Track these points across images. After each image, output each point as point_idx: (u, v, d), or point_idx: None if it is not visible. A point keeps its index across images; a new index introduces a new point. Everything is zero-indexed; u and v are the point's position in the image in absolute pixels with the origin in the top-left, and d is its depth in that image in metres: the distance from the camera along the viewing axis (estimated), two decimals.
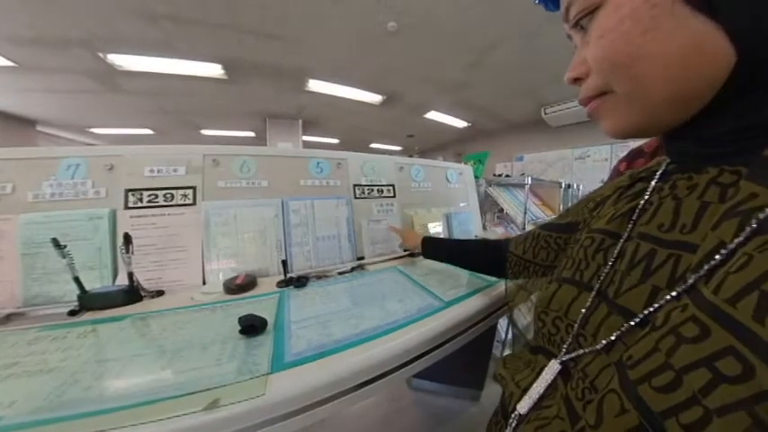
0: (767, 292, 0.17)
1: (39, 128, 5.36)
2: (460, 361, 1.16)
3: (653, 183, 0.36)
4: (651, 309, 0.26)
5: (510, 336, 1.81)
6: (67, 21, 2.40)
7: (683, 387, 0.19)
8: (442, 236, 1.45)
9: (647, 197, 0.35)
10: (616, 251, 0.34)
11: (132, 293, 0.75)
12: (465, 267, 0.89)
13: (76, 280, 0.71)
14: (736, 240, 0.21)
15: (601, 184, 0.54)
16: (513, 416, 0.35)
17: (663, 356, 0.21)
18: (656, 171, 0.37)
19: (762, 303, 0.17)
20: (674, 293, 0.24)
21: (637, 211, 0.35)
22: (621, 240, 0.35)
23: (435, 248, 0.94)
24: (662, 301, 0.25)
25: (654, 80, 0.26)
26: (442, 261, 0.93)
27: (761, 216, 0.20)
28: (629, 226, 0.35)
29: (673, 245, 0.28)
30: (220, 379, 0.46)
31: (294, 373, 0.48)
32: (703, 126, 0.28)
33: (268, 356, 0.51)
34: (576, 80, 0.33)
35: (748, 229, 0.21)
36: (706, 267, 0.22)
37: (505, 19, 2.50)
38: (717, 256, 0.22)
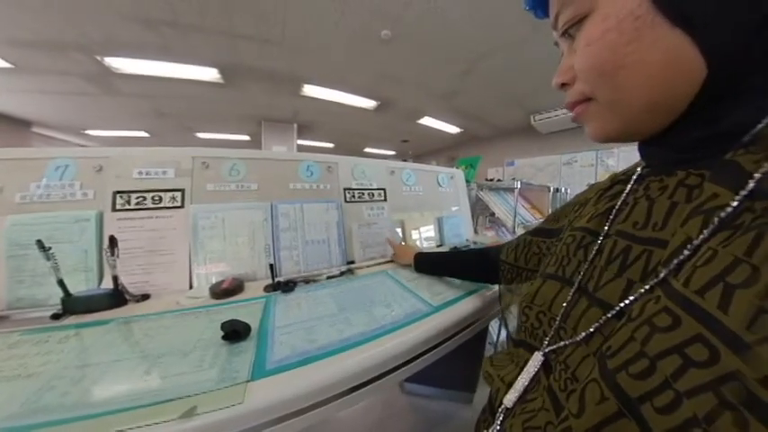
0: (731, 283, 0.19)
1: (34, 129, 5.37)
2: (453, 364, 1.16)
3: (629, 185, 0.38)
4: (627, 301, 0.28)
5: (502, 338, 1.82)
6: (66, 24, 2.42)
7: (657, 373, 0.20)
8: (434, 239, 1.47)
9: (623, 198, 0.37)
10: (595, 248, 0.36)
11: (117, 297, 0.74)
12: (458, 278, 0.92)
13: (60, 283, 0.70)
14: (701, 236, 0.23)
15: (587, 188, 0.55)
16: (499, 410, 0.36)
17: (638, 345, 0.22)
18: (633, 174, 0.39)
19: (726, 294, 0.19)
20: (647, 286, 0.26)
21: (614, 210, 0.37)
22: (600, 237, 0.36)
23: (427, 263, 0.97)
24: (636, 294, 0.27)
25: (635, 89, 0.27)
26: (434, 275, 0.95)
27: (722, 214, 0.22)
28: (608, 224, 0.36)
29: (646, 241, 0.30)
30: (199, 386, 0.45)
31: (274, 380, 0.48)
32: (675, 134, 0.30)
33: (249, 363, 0.51)
34: (563, 85, 0.35)
35: (711, 226, 0.23)
36: (675, 261, 0.24)
37: (494, 31, 2.57)
38: (685, 251, 0.24)
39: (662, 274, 0.25)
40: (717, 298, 0.19)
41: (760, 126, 0.24)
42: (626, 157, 4.21)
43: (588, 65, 0.29)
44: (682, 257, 0.24)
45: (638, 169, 0.39)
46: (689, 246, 0.24)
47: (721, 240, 0.21)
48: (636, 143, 0.36)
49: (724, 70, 0.25)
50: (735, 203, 0.22)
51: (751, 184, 0.22)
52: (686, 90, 0.26)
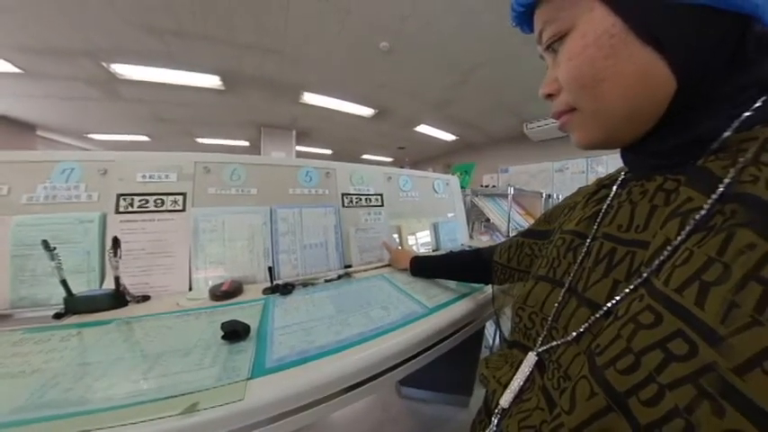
0: (706, 281, 0.21)
1: (39, 132, 5.36)
2: (449, 368, 1.17)
3: (614, 189, 0.40)
4: (613, 301, 0.29)
5: (497, 341, 1.82)
6: (75, 32, 2.46)
7: (642, 368, 0.22)
8: (430, 245, 1.48)
9: (608, 202, 0.39)
10: (584, 250, 0.38)
11: (118, 298, 0.75)
12: (453, 279, 0.93)
13: (63, 283, 0.71)
14: (679, 238, 0.25)
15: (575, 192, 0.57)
16: (496, 411, 0.37)
17: (624, 342, 0.24)
18: (617, 179, 0.41)
19: (702, 291, 0.21)
20: (631, 286, 0.28)
21: (600, 214, 0.39)
22: (588, 240, 0.38)
23: (423, 267, 0.98)
24: (622, 294, 0.29)
25: (615, 99, 0.29)
26: (430, 278, 0.97)
27: (696, 217, 0.24)
28: (595, 227, 0.38)
29: (629, 243, 0.32)
30: (200, 384, 0.46)
31: (274, 378, 0.48)
32: (653, 142, 0.32)
33: (249, 362, 0.52)
34: (549, 96, 0.37)
35: (688, 227, 0.25)
36: (656, 262, 0.26)
37: (487, 43, 2.65)
38: (665, 252, 0.26)
39: (645, 274, 0.27)
40: (694, 295, 0.21)
41: (726, 134, 0.27)
42: (615, 164, 4.20)
43: (571, 77, 0.32)
44: (662, 258, 0.26)
45: (622, 174, 0.41)
46: (668, 247, 0.26)
47: (697, 241, 0.23)
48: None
49: (692, 82, 0.27)
50: (707, 206, 0.24)
51: (721, 189, 0.24)
52: (660, 100, 0.28)
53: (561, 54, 0.32)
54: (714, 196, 0.24)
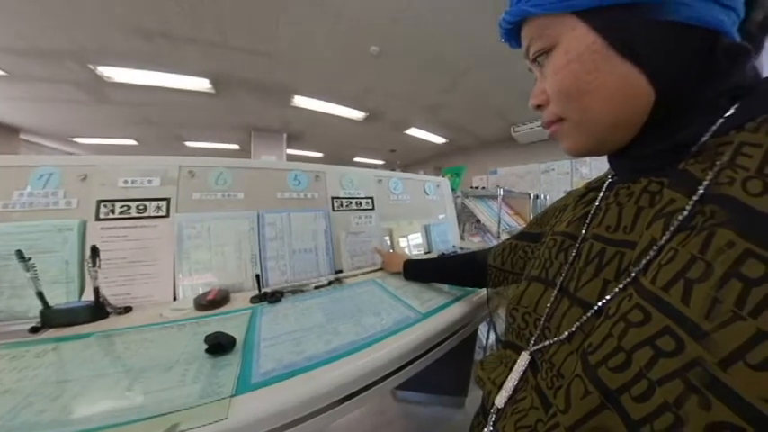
0: (690, 278, 0.22)
1: (22, 136, 5.27)
2: (443, 369, 1.16)
3: (602, 192, 0.41)
4: (604, 300, 0.31)
5: (491, 340, 1.83)
6: (61, 34, 2.41)
7: (633, 365, 0.23)
8: (421, 247, 1.48)
9: (597, 204, 0.40)
10: (574, 251, 0.39)
11: (98, 310, 0.72)
12: (447, 283, 0.93)
13: (40, 295, 0.68)
14: (664, 238, 0.26)
15: (564, 195, 0.58)
16: (491, 411, 0.38)
17: (616, 341, 0.25)
18: (605, 182, 0.42)
19: (687, 288, 0.22)
20: (621, 285, 0.29)
21: (590, 215, 0.40)
22: (578, 241, 0.39)
23: (416, 270, 0.98)
24: (612, 293, 0.30)
25: (598, 110, 0.31)
26: (424, 281, 0.97)
27: (679, 218, 0.26)
28: (584, 228, 0.40)
29: (618, 243, 0.33)
30: (182, 402, 0.44)
31: (260, 394, 0.47)
32: (637, 147, 0.34)
33: (233, 377, 0.50)
34: (539, 107, 0.38)
35: (672, 228, 0.26)
36: (644, 261, 0.27)
37: (477, 48, 2.69)
38: (651, 252, 0.27)
39: (633, 274, 0.28)
40: (680, 293, 0.22)
41: (704, 138, 0.28)
42: (597, 165, 4.50)
43: (557, 90, 0.33)
44: (649, 257, 0.27)
45: (609, 177, 0.42)
46: (654, 246, 0.27)
47: (680, 241, 0.24)
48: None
49: (669, 92, 0.29)
50: (689, 207, 0.25)
51: (701, 190, 0.25)
52: (641, 109, 0.30)
53: (547, 68, 0.34)
54: (695, 198, 0.25)
